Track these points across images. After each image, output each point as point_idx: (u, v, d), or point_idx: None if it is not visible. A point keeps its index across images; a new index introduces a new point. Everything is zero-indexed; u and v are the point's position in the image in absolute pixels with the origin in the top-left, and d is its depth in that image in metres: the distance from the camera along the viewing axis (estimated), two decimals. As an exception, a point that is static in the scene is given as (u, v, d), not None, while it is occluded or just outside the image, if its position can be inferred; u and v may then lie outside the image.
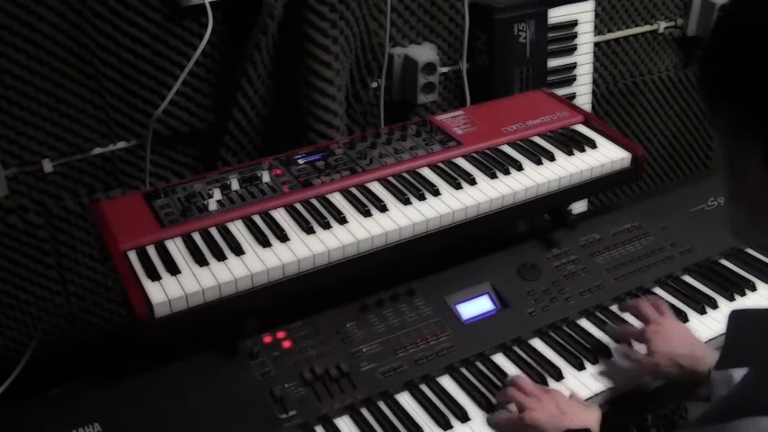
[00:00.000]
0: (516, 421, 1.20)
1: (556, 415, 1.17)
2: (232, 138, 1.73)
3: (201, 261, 1.22)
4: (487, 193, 1.41)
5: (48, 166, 1.61)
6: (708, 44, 0.74)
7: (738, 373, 1.14)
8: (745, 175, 0.72)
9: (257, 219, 1.33)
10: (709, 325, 1.46)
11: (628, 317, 1.45)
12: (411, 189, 1.40)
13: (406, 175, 1.46)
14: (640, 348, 1.35)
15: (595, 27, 2.11)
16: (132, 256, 1.24)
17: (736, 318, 0.82)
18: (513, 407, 1.24)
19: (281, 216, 1.34)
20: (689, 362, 1.26)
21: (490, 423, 1.24)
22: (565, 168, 1.49)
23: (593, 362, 1.37)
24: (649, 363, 1.30)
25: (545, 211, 1.67)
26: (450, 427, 1.24)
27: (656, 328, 1.32)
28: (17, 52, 1.49)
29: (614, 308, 1.50)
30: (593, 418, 1.19)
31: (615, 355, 1.37)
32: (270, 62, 1.68)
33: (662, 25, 2.32)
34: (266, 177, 1.42)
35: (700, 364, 1.25)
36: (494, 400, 1.28)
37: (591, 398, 1.31)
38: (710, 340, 1.42)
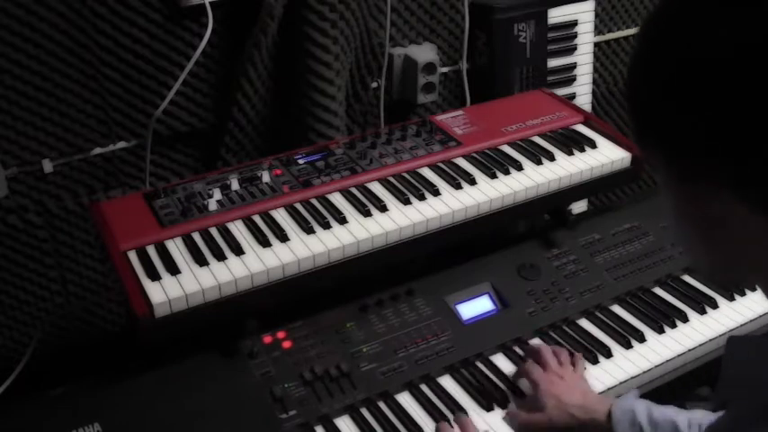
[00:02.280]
0: None
1: None
2: (232, 138, 1.73)
3: (201, 261, 1.22)
4: (487, 193, 1.41)
5: (48, 166, 1.61)
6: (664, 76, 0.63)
7: (641, 413, 1.14)
8: (727, 218, 0.64)
9: (257, 219, 1.33)
10: (709, 325, 1.46)
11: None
12: (411, 189, 1.40)
13: (406, 175, 1.46)
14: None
15: (595, 27, 2.11)
16: (132, 256, 1.24)
17: (732, 345, 0.77)
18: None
19: (281, 216, 1.34)
20: (582, 413, 1.21)
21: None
22: (565, 168, 1.49)
23: (593, 362, 1.37)
24: (540, 418, 1.23)
25: (545, 211, 1.67)
26: (451, 426, 1.23)
27: (549, 385, 1.25)
28: (17, 52, 1.49)
29: (614, 308, 1.50)
30: None
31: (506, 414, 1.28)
32: (270, 62, 1.67)
33: (662, 25, 2.32)
34: (266, 177, 1.42)
35: (597, 414, 1.20)
36: (492, 399, 1.28)
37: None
38: (711, 340, 1.43)
